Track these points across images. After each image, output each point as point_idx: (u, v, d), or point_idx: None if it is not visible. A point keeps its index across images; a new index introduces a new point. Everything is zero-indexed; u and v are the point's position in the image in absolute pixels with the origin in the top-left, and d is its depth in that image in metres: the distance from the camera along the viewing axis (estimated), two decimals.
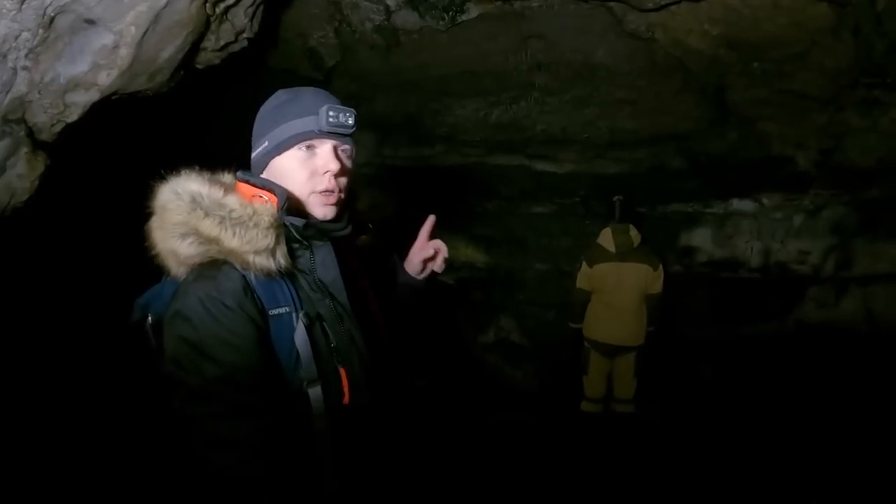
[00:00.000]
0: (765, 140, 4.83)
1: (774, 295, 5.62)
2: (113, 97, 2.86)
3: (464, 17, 4.25)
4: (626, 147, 5.26)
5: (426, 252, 1.77)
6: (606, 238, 4.79)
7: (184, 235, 1.30)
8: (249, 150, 1.52)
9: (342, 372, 1.36)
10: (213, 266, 1.31)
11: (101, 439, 3.26)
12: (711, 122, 4.81)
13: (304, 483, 1.28)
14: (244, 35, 3.41)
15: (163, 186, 1.36)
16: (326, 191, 1.41)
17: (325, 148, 1.42)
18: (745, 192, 5.43)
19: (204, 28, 3.08)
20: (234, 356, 1.25)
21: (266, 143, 1.45)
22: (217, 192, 1.34)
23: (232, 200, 1.34)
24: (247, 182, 1.42)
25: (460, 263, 6.35)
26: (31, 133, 2.60)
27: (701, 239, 5.76)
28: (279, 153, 1.43)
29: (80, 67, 2.59)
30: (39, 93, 2.51)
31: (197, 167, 1.44)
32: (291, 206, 1.40)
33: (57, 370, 3.39)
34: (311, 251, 1.41)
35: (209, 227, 1.29)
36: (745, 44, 3.97)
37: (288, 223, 1.36)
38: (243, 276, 1.30)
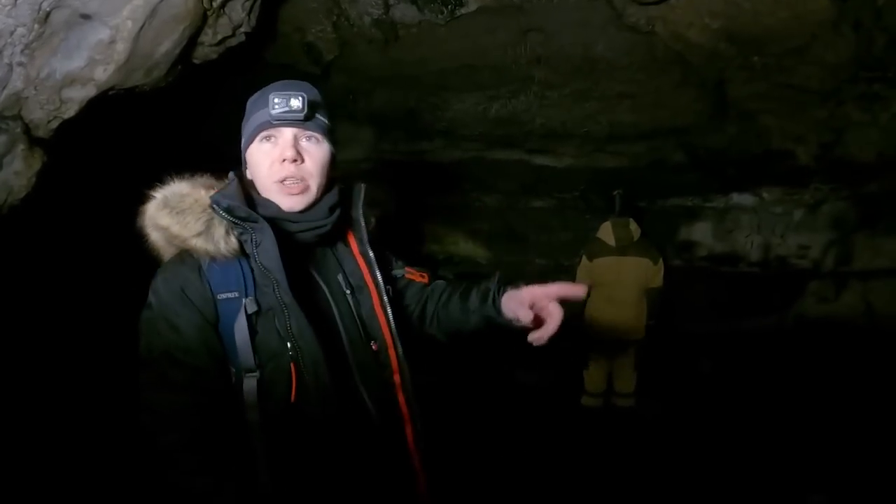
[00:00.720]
0: (765, 134, 4.81)
1: (774, 289, 5.62)
2: (110, 93, 2.85)
3: (463, 11, 4.21)
4: (625, 141, 5.25)
5: (540, 305, 1.46)
6: (606, 232, 4.78)
7: (154, 228, 1.41)
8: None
9: (292, 367, 1.34)
10: (179, 255, 1.39)
11: (103, 432, 3.26)
12: (711, 116, 4.80)
13: (233, 470, 1.29)
14: (242, 29, 3.38)
15: (155, 189, 1.45)
16: (286, 179, 1.39)
17: (283, 137, 1.41)
18: (745, 186, 5.43)
19: (201, 22, 3.06)
20: (173, 334, 1.32)
21: (242, 140, 1.49)
22: (183, 187, 1.43)
23: (186, 191, 1.42)
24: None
25: (460, 258, 6.34)
26: (27, 130, 2.59)
27: (701, 233, 5.76)
28: (247, 147, 1.46)
29: (76, 63, 2.57)
30: (35, 89, 2.49)
31: (200, 166, 1.50)
32: (259, 195, 1.44)
33: (57, 366, 3.38)
34: (252, 234, 1.37)
35: (163, 217, 1.38)
36: (746, 37, 3.95)
37: (214, 204, 1.38)
38: (198, 263, 1.37)
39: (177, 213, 1.37)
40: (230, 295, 1.34)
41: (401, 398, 1.51)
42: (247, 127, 1.47)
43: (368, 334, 1.49)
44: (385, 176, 5.56)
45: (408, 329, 1.64)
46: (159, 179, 1.47)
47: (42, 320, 3.37)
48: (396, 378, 1.51)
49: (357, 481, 1.39)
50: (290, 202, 1.41)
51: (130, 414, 1.34)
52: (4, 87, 2.37)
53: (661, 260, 4.79)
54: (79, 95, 2.69)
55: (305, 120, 1.40)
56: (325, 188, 1.47)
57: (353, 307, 1.49)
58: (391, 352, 1.51)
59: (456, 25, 4.32)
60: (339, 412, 1.37)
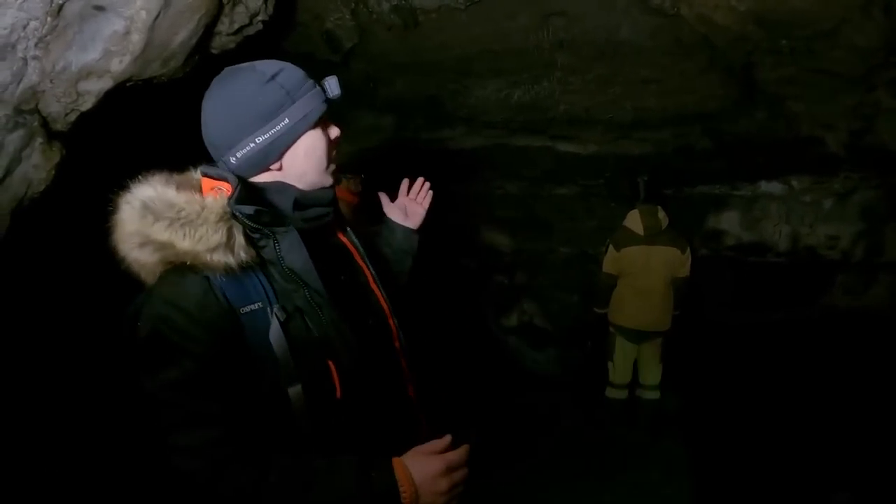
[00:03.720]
0: (793, 120, 4.67)
1: (802, 280, 5.48)
2: (127, 84, 2.84)
3: None
4: (650, 127, 5.14)
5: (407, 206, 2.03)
6: (634, 220, 4.73)
7: (141, 245, 1.25)
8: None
9: (330, 365, 1.31)
10: (177, 271, 1.25)
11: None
12: (738, 102, 4.66)
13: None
14: (259, 18, 3.37)
15: (121, 197, 1.30)
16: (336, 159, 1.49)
17: (325, 119, 1.43)
18: (773, 174, 5.29)
19: (217, 11, 3.04)
20: (193, 364, 1.20)
21: (286, 122, 1.33)
22: (168, 193, 1.28)
23: (182, 199, 1.27)
24: (206, 175, 1.37)
25: (483, 246, 6.31)
26: (45, 123, 2.59)
27: (728, 222, 5.63)
28: (295, 138, 1.36)
29: (91, 55, 2.56)
30: (52, 82, 2.49)
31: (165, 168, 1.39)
32: (275, 191, 1.39)
33: (75, 363, 3.41)
34: (275, 239, 1.32)
35: (159, 231, 1.23)
36: (774, 20, 3.82)
37: (237, 213, 1.28)
38: (206, 278, 1.24)
39: (182, 224, 1.23)
40: (253, 307, 1.26)
41: (402, 361, 1.59)
42: (297, 111, 1.34)
43: (366, 311, 1.54)
44: (406, 164, 5.54)
45: (402, 298, 1.73)
46: (178, 169, 1.43)
47: (62, 312, 3.41)
48: (396, 344, 1.59)
49: (374, 443, 1.39)
50: (331, 178, 1.48)
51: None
52: (20, 82, 2.37)
53: (688, 249, 4.73)
54: (95, 88, 2.68)
55: None
56: None
57: (348, 289, 1.51)
58: (390, 321, 1.59)
59: (476, 10, 4.25)
60: (371, 393, 1.42)
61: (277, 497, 1.20)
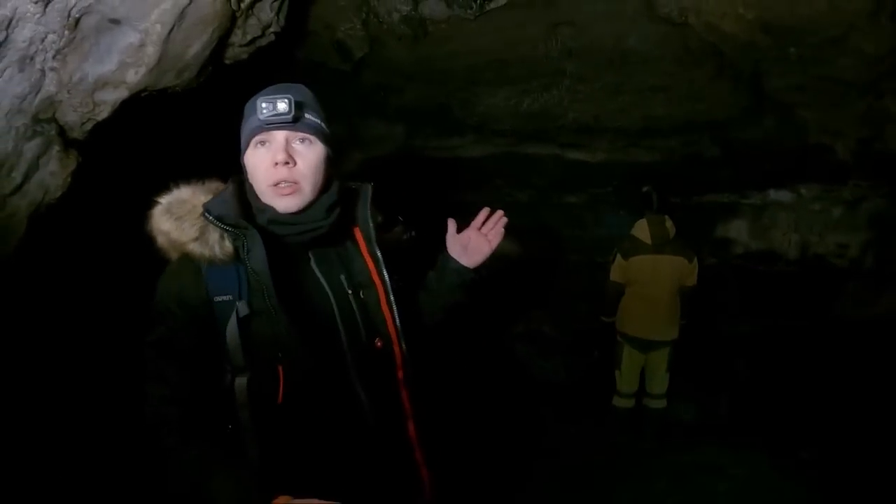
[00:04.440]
0: (802, 128, 4.68)
1: (811, 289, 5.45)
2: (142, 94, 2.90)
3: (492, 5, 4.19)
4: (659, 135, 5.16)
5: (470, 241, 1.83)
6: (642, 229, 4.73)
7: (158, 232, 1.46)
8: None
9: (279, 370, 1.40)
10: (180, 258, 1.45)
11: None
12: (747, 110, 4.68)
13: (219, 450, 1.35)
14: (271, 29, 3.41)
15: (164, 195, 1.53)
16: (279, 183, 1.42)
17: (275, 141, 1.43)
18: (782, 182, 5.28)
19: (230, 23, 3.09)
20: (167, 333, 1.39)
21: (241, 146, 1.52)
22: (183, 193, 1.50)
23: (186, 198, 1.49)
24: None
25: (491, 253, 6.32)
26: (62, 132, 2.66)
27: (737, 230, 5.62)
28: (244, 153, 1.50)
29: (107, 66, 2.63)
30: (69, 92, 2.56)
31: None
32: (258, 200, 1.48)
33: (92, 365, 3.46)
34: (244, 241, 1.42)
35: (164, 222, 1.45)
36: (782, 28, 3.84)
37: (206, 211, 1.43)
38: (198, 266, 1.42)
39: (175, 218, 1.44)
40: (225, 298, 1.40)
41: (404, 394, 1.56)
42: (243, 133, 1.50)
43: (373, 331, 1.53)
44: (416, 172, 5.57)
45: (419, 325, 1.73)
46: (195, 176, 1.55)
47: (76, 313, 3.46)
48: (399, 374, 1.55)
49: (352, 477, 1.43)
50: (284, 203, 1.44)
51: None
52: (38, 92, 2.44)
53: (696, 258, 4.73)
54: (111, 98, 2.74)
55: (294, 121, 1.43)
56: (322, 188, 1.49)
57: (355, 306, 1.52)
58: (395, 348, 1.55)
59: (485, 20, 4.30)
60: (329, 412, 1.43)
61: (179, 474, 1.33)
